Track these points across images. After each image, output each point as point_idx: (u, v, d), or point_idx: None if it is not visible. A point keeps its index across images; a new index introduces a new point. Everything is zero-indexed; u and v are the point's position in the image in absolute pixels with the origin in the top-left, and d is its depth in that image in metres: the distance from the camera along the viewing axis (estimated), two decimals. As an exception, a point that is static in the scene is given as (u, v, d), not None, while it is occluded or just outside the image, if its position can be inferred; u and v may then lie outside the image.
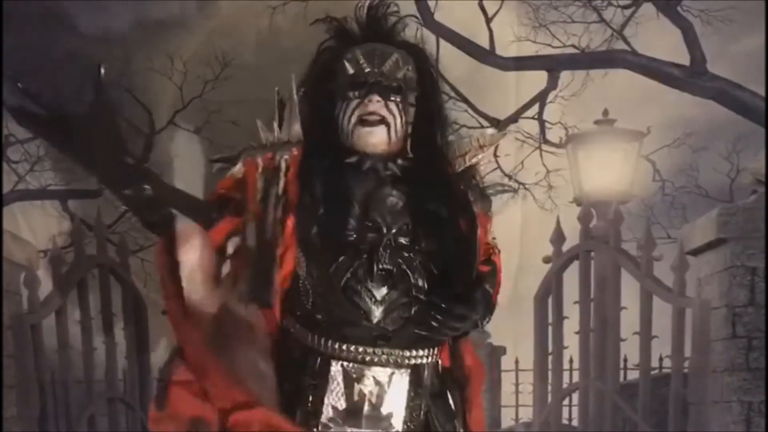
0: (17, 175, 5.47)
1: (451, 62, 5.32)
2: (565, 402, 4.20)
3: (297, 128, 1.68)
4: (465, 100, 5.40)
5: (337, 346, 1.62)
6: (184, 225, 1.53)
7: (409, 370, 1.62)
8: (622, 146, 4.51)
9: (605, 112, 4.61)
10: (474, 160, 1.72)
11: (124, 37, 5.45)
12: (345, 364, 1.62)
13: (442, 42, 5.26)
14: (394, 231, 1.61)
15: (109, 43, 5.44)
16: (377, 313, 1.60)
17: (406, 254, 1.61)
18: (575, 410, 4.06)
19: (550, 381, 3.85)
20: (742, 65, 5.17)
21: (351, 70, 1.65)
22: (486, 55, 5.35)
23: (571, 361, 4.16)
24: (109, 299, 3.69)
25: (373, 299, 1.60)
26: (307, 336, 1.62)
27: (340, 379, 1.62)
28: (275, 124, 1.70)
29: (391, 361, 1.61)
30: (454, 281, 1.63)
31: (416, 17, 1.77)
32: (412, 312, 1.61)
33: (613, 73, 5.30)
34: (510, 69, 5.44)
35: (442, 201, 1.63)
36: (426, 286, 1.61)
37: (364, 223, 1.60)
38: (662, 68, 5.16)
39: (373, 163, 1.64)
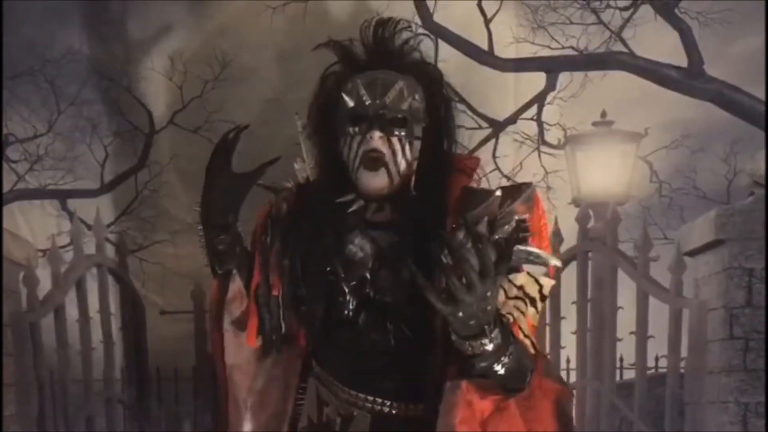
0: (16, 174, 5.48)
1: (450, 63, 5.33)
2: (563, 402, 4.21)
3: (311, 164, 1.61)
4: (463, 101, 5.40)
5: (315, 366, 1.61)
6: (235, 285, 1.62)
7: (370, 415, 1.54)
8: (620, 147, 4.53)
9: (603, 114, 4.63)
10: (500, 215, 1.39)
11: (124, 37, 5.46)
12: (319, 385, 1.60)
13: (440, 43, 5.28)
14: (352, 284, 1.51)
15: (110, 43, 5.45)
16: (344, 354, 1.55)
17: (376, 307, 1.50)
18: (572, 409, 4.07)
19: (547, 381, 3.86)
20: (739, 67, 5.19)
21: (351, 103, 1.51)
22: (485, 56, 5.37)
23: (568, 360, 4.18)
24: (107, 298, 3.69)
25: (341, 341, 1.55)
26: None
27: (313, 395, 1.61)
28: (295, 164, 1.64)
29: (351, 401, 1.55)
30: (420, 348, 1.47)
31: (427, 34, 1.60)
32: (386, 360, 1.52)
33: (612, 74, 5.32)
34: (509, 70, 5.46)
35: (424, 253, 1.40)
36: (397, 342, 1.49)
37: (325, 270, 1.52)
38: (660, 70, 5.18)
39: (365, 205, 1.52)
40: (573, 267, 3.80)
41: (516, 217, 1.36)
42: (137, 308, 3.89)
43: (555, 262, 1.37)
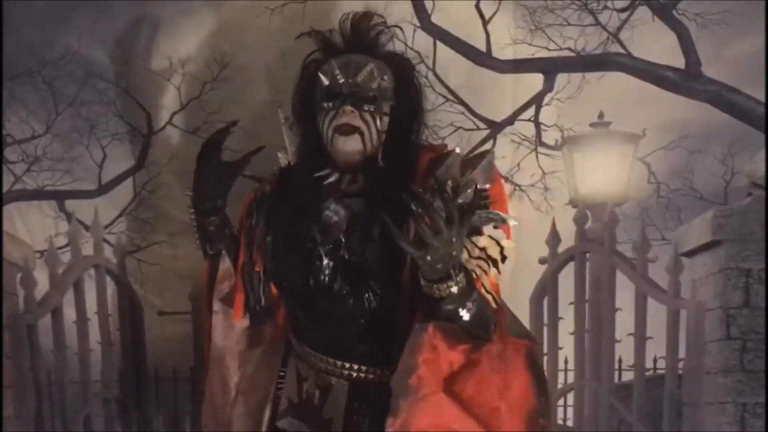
0: (14, 175, 5.47)
1: (448, 64, 5.34)
2: (561, 402, 4.21)
3: (292, 152, 1.75)
4: (461, 102, 5.41)
5: (294, 342, 1.71)
6: (224, 265, 1.75)
7: (347, 383, 1.64)
8: (617, 148, 4.53)
9: (601, 115, 4.63)
10: (462, 181, 1.56)
11: (123, 38, 5.46)
12: (298, 362, 1.69)
13: (438, 44, 5.28)
14: (328, 246, 1.63)
15: (108, 44, 5.45)
16: (322, 322, 1.64)
17: (349, 270, 1.61)
18: (570, 410, 4.08)
19: (545, 382, 3.87)
20: (737, 68, 5.19)
21: (326, 82, 1.67)
22: (483, 58, 5.37)
23: (566, 361, 4.18)
24: (105, 300, 3.69)
25: (319, 310, 1.64)
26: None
27: (293, 373, 1.70)
28: (279, 153, 1.77)
29: (329, 370, 1.65)
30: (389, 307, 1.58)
31: (400, 27, 1.76)
32: (361, 325, 1.61)
33: (609, 76, 5.32)
34: (506, 71, 5.46)
35: (390, 217, 1.51)
36: (371, 305, 1.60)
37: (305, 239, 1.63)
38: (658, 71, 5.18)
39: (340, 176, 1.66)
40: (571, 268, 3.80)
41: (477, 186, 1.51)
42: (135, 309, 3.88)
43: (512, 221, 1.52)
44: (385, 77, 1.68)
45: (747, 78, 5.09)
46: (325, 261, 1.62)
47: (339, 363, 1.64)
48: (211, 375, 1.77)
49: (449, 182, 1.48)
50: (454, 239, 1.45)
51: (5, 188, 5.31)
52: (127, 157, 5.54)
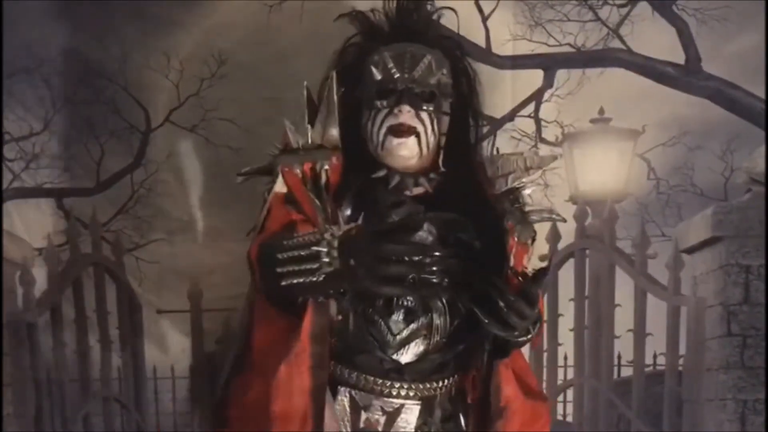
0: (12, 173, 5.46)
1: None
2: (560, 398, 4.21)
3: (334, 133, 1.51)
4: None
5: (346, 373, 1.55)
6: None
7: (420, 402, 1.54)
8: (617, 145, 4.53)
9: (601, 111, 4.63)
10: (517, 183, 1.53)
11: (120, 35, 5.44)
12: (353, 391, 1.55)
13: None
14: (420, 266, 1.42)
15: (106, 42, 5.43)
16: (392, 345, 1.50)
17: (430, 289, 1.47)
18: (570, 406, 4.08)
19: (545, 377, 3.87)
20: (737, 64, 5.18)
21: (378, 76, 1.50)
22: (482, 54, 5.35)
23: (565, 358, 4.17)
24: (104, 298, 3.69)
25: (389, 332, 1.51)
26: (330, 359, 1.54)
27: (346, 405, 1.56)
28: (308, 126, 1.51)
29: (402, 394, 1.53)
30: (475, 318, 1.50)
31: (451, 8, 1.57)
32: (430, 346, 1.51)
33: (609, 71, 5.31)
34: (506, 67, 5.44)
35: (476, 228, 1.45)
36: (447, 324, 1.51)
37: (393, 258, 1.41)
38: (657, 67, 5.17)
39: (402, 179, 1.49)
40: (570, 264, 3.80)
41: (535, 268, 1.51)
42: (134, 307, 3.88)
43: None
44: (444, 71, 1.51)
45: (747, 74, 5.08)
46: (413, 282, 1.42)
47: (414, 385, 1.53)
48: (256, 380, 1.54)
49: (528, 270, 1.49)
50: (535, 315, 1.49)
51: (3, 186, 5.30)
52: (125, 155, 5.53)
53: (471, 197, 1.50)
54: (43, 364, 3.31)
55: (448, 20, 1.72)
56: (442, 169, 1.52)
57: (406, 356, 1.52)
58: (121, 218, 5.44)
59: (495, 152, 1.62)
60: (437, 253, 1.41)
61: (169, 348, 4.49)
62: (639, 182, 5.09)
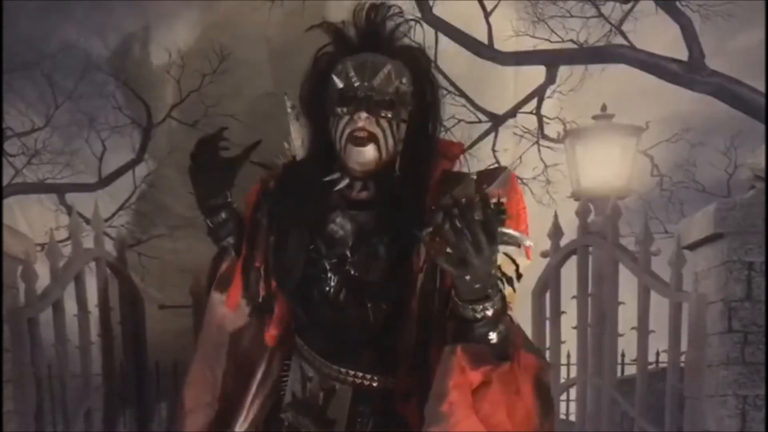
0: (14, 168, 5.46)
1: (450, 57, 5.31)
2: (563, 397, 4.21)
3: (298, 144, 1.68)
4: (463, 95, 5.39)
5: (299, 342, 1.69)
6: (229, 262, 1.74)
7: (351, 388, 1.61)
8: (620, 141, 4.52)
9: (603, 108, 4.61)
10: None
11: (122, 30, 5.43)
12: (302, 361, 1.68)
13: (440, 36, 5.26)
14: (333, 260, 1.59)
15: (107, 37, 5.42)
16: (325, 330, 1.63)
17: (354, 285, 1.57)
18: (573, 405, 4.07)
19: (546, 376, 3.86)
20: (740, 61, 5.17)
21: (340, 84, 1.57)
22: (485, 50, 5.35)
23: (568, 356, 4.17)
24: (106, 293, 3.68)
25: (322, 318, 1.62)
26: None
27: (298, 371, 1.68)
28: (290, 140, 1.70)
29: (332, 375, 1.63)
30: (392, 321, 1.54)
31: (418, 20, 1.65)
32: (364, 336, 1.59)
33: (612, 68, 5.30)
34: (508, 64, 5.44)
35: (401, 232, 1.48)
36: (376, 318, 1.56)
37: (309, 248, 1.60)
38: (660, 63, 5.16)
39: (351, 183, 1.59)
40: (573, 261, 3.79)
41: (493, 200, 1.42)
42: (136, 303, 3.88)
43: (528, 242, 1.46)
44: (404, 80, 1.58)
45: (750, 70, 5.07)
46: (330, 274, 1.58)
47: (343, 370, 1.62)
48: (203, 356, 1.76)
49: (492, 199, 1.39)
50: (492, 257, 1.38)
51: (5, 181, 5.30)
52: (127, 150, 5.53)
53: (403, 203, 1.55)
54: (44, 360, 3.32)
55: (450, 17, 1.77)
56: (397, 173, 1.59)
57: (341, 341, 1.62)
58: (123, 214, 5.45)
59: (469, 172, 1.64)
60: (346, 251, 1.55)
61: (171, 343, 4.49)
62: (642, 179, 5.08)
